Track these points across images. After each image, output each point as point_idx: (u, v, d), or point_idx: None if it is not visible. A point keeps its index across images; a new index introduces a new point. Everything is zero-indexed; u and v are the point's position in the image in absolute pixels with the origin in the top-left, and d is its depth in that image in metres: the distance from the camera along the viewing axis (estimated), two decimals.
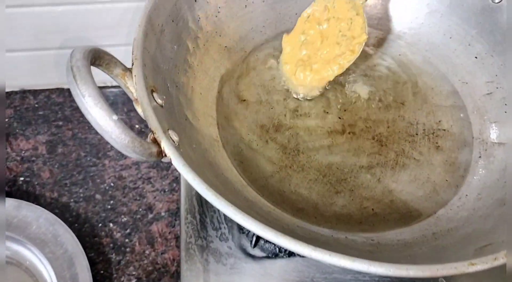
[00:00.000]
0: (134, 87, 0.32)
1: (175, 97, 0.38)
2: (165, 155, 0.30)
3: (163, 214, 0.53)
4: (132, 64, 0.33)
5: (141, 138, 0.28)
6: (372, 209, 0.41)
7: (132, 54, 0.33)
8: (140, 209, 0.54)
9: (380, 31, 0.51)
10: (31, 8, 0.50)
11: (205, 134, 0.41)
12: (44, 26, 0.53)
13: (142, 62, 0.33)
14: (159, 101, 0.34)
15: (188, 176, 0.28)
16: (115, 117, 0.27)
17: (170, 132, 0.33)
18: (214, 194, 0.28)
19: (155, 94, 0.34)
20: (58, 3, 0.50)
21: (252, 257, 0.42)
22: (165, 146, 0.30)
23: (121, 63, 0.33)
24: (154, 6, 0.36)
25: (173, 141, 0.32)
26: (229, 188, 0.38)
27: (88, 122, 0.27)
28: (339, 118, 0.46)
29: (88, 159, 0.57)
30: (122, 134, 0.27)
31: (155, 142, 0.30)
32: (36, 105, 0.61)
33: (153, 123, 0.30)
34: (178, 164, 0.29)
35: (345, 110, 0.46)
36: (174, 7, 0.39)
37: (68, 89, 0.49)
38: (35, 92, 0.61)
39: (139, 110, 0.32)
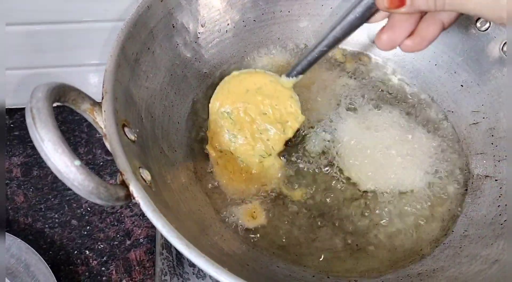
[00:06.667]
0: (104, 123, 0.30)
1: (150, 130, 0.36)
2: (134, 198, 0.28)
3: (141, 240, 0.52)
4: (102, 98, 0.31)
5: (106, 183, 0.26)
6: (356, 245, 0.39)
7: (103, 87, 0.31)
8: (118, 235, 0.52)
9: (364, 57, 0.50)
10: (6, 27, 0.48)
11: (182, 166, 0.39)
12: (20, 45, 0.51)
13: (113, 95, 0.31)
14: (131, 136, 0.32)
15: (157, 223, 0.27)
16: (77, 162, 0.25)
17: (142, 170, 0.31)
18: (185, 244, 0.26)
19: (126, 129, 0.32)
20: (34, 22, 0.49)
21: None
22: (134, 189, 0.28)
23: (90, 98, 0.31)
24: (128, 35, 0.35)
25: (144, 180, 0.30)
26: (205, 225, 0.36)
27: None
28: (324, 147, 0.44)
29: None
30: (85, 181, 0.25)
31: (124, 183, 0.28)
32: (12, 125, 0.59)
33: (122, 164, 0.28)
34: (147, 210, 0.27)
35: (332, 141, 0.44)
36: (150, 35, 0.38)
37: None
38: (10, 112, 0.59)
39: (108, 146, 0.30)
